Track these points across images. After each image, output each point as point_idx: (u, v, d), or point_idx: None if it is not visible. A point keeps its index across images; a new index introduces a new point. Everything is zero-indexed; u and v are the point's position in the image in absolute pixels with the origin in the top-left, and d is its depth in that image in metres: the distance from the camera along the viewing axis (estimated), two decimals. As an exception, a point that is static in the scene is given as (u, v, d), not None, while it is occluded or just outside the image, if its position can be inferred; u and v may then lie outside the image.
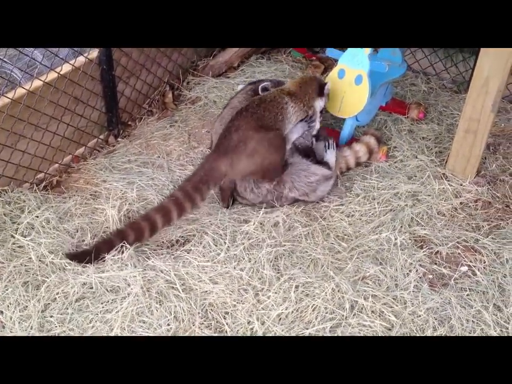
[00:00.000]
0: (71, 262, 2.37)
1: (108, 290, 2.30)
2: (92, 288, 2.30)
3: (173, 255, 2.47)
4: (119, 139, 3.21)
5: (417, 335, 2.14)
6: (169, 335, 2.12)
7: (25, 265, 2.38)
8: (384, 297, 2.27)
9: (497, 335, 2.14)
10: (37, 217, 2.57)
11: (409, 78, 3.73)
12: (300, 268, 2.41)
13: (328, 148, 2.79)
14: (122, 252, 2.39)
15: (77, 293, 2.27)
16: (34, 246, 2.44)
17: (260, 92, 2.77)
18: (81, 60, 2.87)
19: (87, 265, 2.35)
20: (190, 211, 2.53)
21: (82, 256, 2.37)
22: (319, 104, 2.77)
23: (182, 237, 2.58)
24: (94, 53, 2.94)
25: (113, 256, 2.38)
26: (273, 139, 2.53)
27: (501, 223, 2.67)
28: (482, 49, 2.56)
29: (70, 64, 2.80)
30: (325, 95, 2.79)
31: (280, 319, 2.19)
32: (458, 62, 3.71)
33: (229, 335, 2.13)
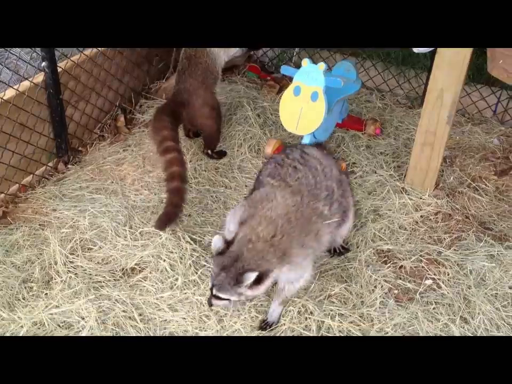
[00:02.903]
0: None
1: (60, 326, 2.16)
2: (43, 325, 2.15)
3: (128, 283, 2.35)
4: (69, 166, 3.07)
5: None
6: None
7: (-32, 303, 2.21)
8: (350, 316, 2.20)
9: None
10: (-19, 251, 2.41)
11: (364, 95, 3.75)
12: (263, 291, 2.32)
13: None
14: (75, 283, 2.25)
15: (27, 332, 2.12)
16: (-22, 282, 2.27)
17: None
18: (26, 84, 2.74)
19: (42, 297, 2.23)
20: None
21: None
22: None
23: (137, 264, 2.46)
24: (39, 76, 2.82)
25: (63, 289, 2.25)
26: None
27: (462, 235, 2.66)
28: (435, 63, 2.58)
29: (14, 88, 2.67)
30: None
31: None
32: (411, 77, 3.75)
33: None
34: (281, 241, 1.97)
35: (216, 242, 2.02)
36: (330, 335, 2.11)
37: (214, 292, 1.98)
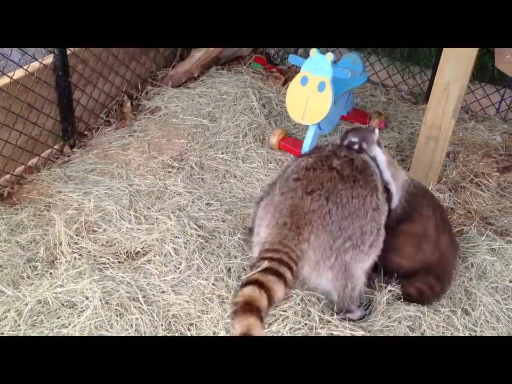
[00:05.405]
0: None
1: (63, 305, 2.17)
2: (47, 303, 2.17)
3: (132, 265, 2.36)
4: (74, 149, 3.08)
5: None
6: (130, 348, 2.00)
7: (-27, 280, 2.22)
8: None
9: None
10: (-14, 229, 2.42)
11: (369, 89, 3.77)
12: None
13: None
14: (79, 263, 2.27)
15: (31, 309, 2.13)
16: (-17, 259, 2.28)
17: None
18: (35, 65, 2.75)
19: (46, 277, 2.25)
20: None
21: None
22: None
23: (142, 248, 2.47)
24: (49, 58, 2.83)
25: (67, 269, 2.26)
26: None
27: (464, 228, 2.68)
28: (443, 55, 2.59)
29: (23, 69, 2.67)
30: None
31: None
32: (416, 73, 3.77)
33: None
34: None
35: None
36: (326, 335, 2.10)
37: None
